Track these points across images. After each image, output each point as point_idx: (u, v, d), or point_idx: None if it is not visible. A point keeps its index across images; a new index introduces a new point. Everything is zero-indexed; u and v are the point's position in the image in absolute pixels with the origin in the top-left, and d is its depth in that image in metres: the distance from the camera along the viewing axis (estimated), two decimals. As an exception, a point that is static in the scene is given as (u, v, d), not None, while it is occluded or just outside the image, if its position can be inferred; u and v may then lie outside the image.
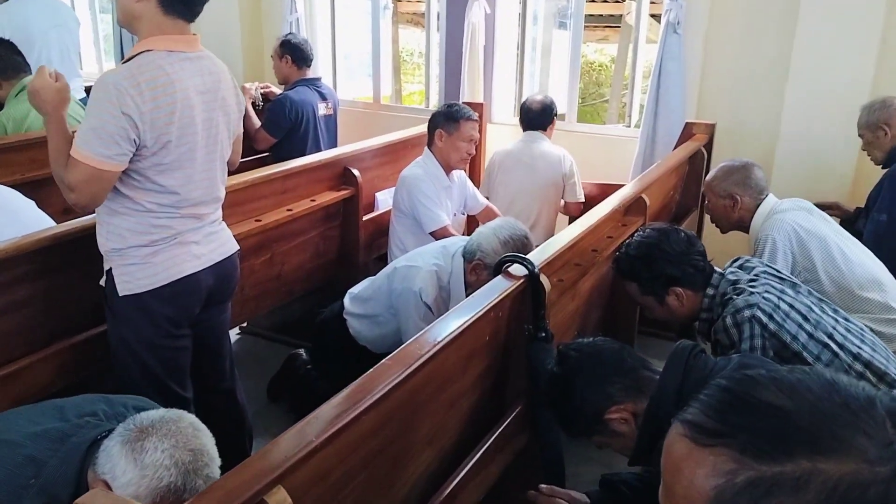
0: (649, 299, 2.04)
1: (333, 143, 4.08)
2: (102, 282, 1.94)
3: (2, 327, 1.97)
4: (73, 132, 1.80)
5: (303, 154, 3.62)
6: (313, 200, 2.99)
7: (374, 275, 2.74)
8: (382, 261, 3.34)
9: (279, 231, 2.83)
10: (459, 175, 3.29)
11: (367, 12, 5.64)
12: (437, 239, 3.00)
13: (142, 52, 1.78)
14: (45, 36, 3.78)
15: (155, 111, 1.74)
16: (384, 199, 3.46)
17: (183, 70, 1.81)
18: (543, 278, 1.83)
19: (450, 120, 3.12)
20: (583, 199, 3.56)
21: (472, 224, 3.60)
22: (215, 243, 2.03)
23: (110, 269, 1.90)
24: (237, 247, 2.14)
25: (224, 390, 2.24)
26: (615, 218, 2.60)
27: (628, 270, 2.07)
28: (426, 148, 3.20)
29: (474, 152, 3.33)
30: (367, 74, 5.51)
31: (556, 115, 3.63)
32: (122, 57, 5.05)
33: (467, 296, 2.52)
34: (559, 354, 1.56)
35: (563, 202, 3.59)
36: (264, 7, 4.89)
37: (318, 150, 3.87)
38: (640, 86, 4.37)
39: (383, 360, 1.41)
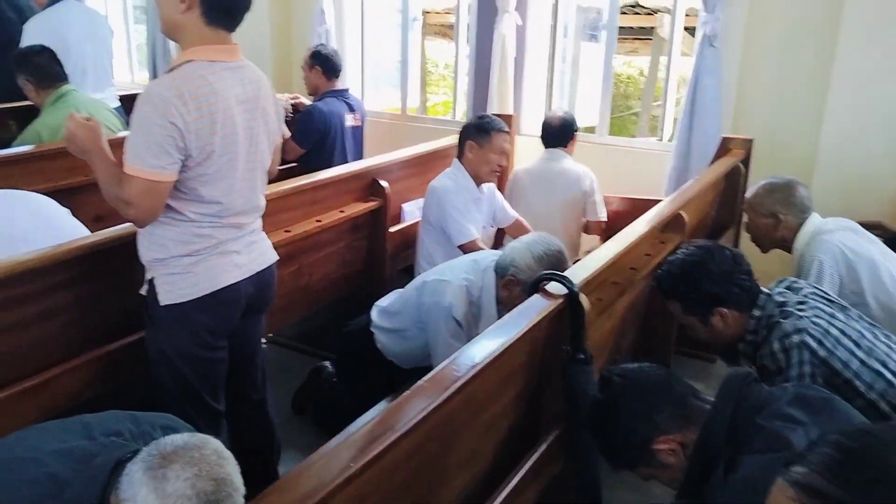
0: (693, 319, 1.97)
1: (360, 155, 4.06)
2: (144, 291, 1.93)
3: (36, 335, 1.96)
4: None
5: (329, 165, 3.60)
6: (342, 212, 2.96)
7: (401, 287, 2.70)
8: (408, 273, 3.31)
9: (308, 242, 2.80)
10: (489, 187, 3.25)
11: (395, 24, 5.65)
12: (465, 252, 2.96)
13: (185, 63, 1.78)
14: (81, 45, 3.80)
15: (199, 121, 1.74)
16: (411, 211, 3.42)
17: (224, 80, 1.81)
18: (583, 297, 1.77)
19: (481, 131, 3.08)
20: (605, 219, 3.51)
21: (500, 237, 3.56)
22: (255, 253, 2.03)
23: (152, 278, 1.89)
24: (276, 256, 2.13)
25: (255, 401, 2.22)
26: (652, 235, 2.53)
27: (671, 289, 2.00)
28: (455, 159, 3.16)
29: (505, 164, 3.28)
30: (393, 85, 5.50)
31: (576, 130, 3.57)
32: (155, 67, 5.14)
33: (498, 312, 2.50)
34: (602, 380, 1.50)
35: (584, 221, 3.53)
36: (294, 18, 4.90)
37: (345, 161, 3.85)
38: (672, 99, 4.29)
39: (419, 383, 1.36)
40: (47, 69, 3.32)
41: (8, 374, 1.91)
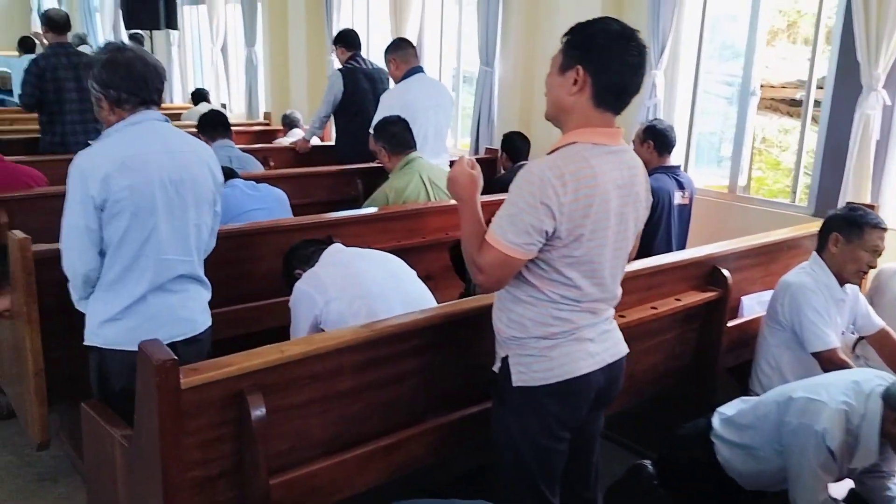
0: None
1: (685, 235, 3.80)
2: (496, 368, 1.91)
3: (386, 398, 2.03)
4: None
5: (653, 243, 3.41)
6: (678, 300, 2.73)
7: (734, 389, 2.39)
8: (738, 372, 2.96)
9: (639, 329, 2.61)
10: (852, 289, 2.79)
11: (722, 96, 5.33)
12: (822, 362, 2.56)
13: (568, 144, 1.77)
14: (426, 114, 4.11)
15: (574, 203, 1.70)
16: (751, 305, 3.07)
17: (605, 163, 1.76)
18: None
19: (852, 225, 2.67)
20: None
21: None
22: (609, 342, 1.93)
23: (506, 356, 1.87)
24: (627, 349, 2.00)
25: (586, 500, 2.09)
26: None
27: None
28: (815, 253, 2.77)
29: (875, 265, 2.81)
30: (711, 160, 5.15)
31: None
32: (478, 134, 5.41)
33: (880, 448, 2.07)
34: None
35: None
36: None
37: (669, 240, 3.64)
38: None
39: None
40: (400, 137, 3.61)
41: (360, 433, 1.99)
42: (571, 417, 1.89)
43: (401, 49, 4.26)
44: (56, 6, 13.13)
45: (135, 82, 2.08)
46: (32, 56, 7.91)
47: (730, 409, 2.37)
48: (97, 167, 2.02)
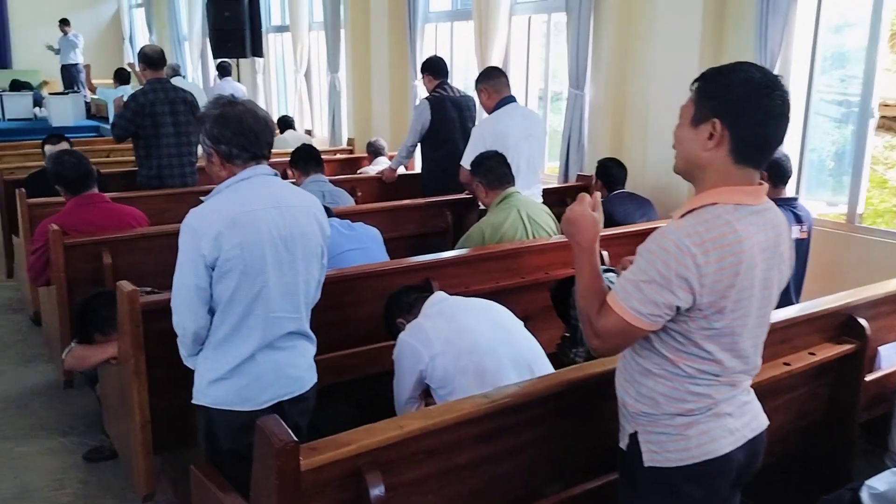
0: None
1: (802, 273, 3.54)
2: (623, 445, 1.76)
3: (504, 471, 1.91)
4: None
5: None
6: (812, 354, 2.50)
7: (868, 447, 2.14)
8: (873, 427, 2.70)
9: (769, 386, 2.39)
10: None
11: (833, 116, 4.99)
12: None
13: (706, 206, 1.59)
14: (518, 145, 3.98)
15: (718, 273, 1.53)
16: (889, 356, 2.80)
17: (750, 226, 1.58)
18: None
19: None
20: None
21: None
22: (748, 416, 1.75)
23: (635, 432, 1.72)
24: (767, 421, 1.81)
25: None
26: None
27: None
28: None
29: None
30: (825, 186, 4.82)
31: None
32: (567, 159, 5.25)
33: None
34: None
35: None
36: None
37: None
38: None
39: None
40: (498, 172, 3.50)
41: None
42: (711, 501, 1.71)
43: (492, 78, 4.15)
44: (147, 35, 13.72)
45: (246, 137, 2.04)
46: (126, 87, 8.26)
47: (881, 483, 2.13)
48: (209, 226, 1.98)
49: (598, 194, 1.79)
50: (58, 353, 3.55)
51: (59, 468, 3.20)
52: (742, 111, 1.56)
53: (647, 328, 1.59)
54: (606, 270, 2.25)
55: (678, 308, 1.56)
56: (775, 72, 3.94)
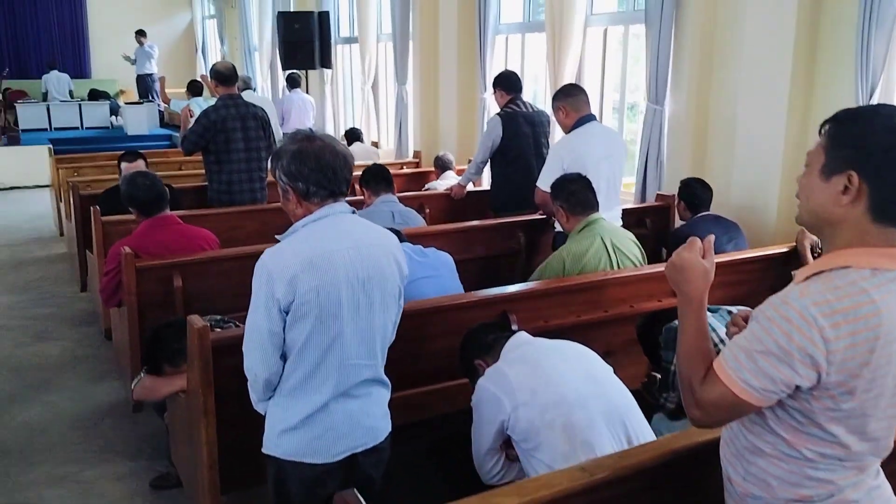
0: None
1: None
2: None
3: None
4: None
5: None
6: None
7: None
8: None
9: None
10: None
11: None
12: None
13: (837, 269, 1.37)
14: (597, 165, 3.78)
15: (850, 350, 1.32)
16: None
17: (890, 295, 1.35)
18: None
19: None
20: None
21: None
22: (878, 503, 1.51)
23: None
24: None
25: None
26: None
27: None
28: None
29: None
30: None
31: None
32: (645, 176, 5.01)
33: None
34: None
35: None
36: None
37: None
38: None
39: None
40: (581, 196, 3.31)
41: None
42: None
43: (571, 96, 3.95)
44: (219, 46, 13.99)
45: (324, 174, 1.92)
46: (199, 98, 8.37)
47: None
48: (285, 267, 1.86)
49: (710, 239, 1.59)
50: (127, 375, 3.54)
51: (126, 494, 3.17)
52: (885, 164, 1.34)
53: (758, 404, 1.39)
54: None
55: (799, 387, 1.36)
56: (877, 93, 3.69)
